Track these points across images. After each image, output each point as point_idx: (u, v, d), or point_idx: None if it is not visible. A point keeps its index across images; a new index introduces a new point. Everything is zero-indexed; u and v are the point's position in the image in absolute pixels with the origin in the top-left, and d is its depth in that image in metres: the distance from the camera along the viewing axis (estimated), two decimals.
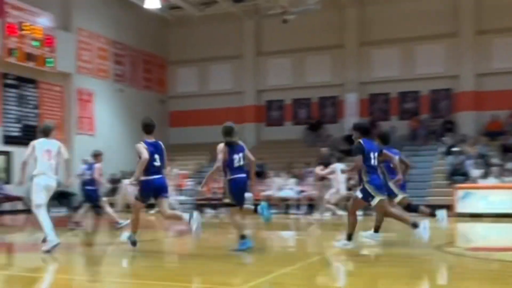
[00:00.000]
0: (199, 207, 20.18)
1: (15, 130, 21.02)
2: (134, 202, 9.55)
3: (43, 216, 9.09)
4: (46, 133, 9.44)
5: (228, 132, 9.28)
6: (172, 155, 26.45)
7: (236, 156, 9.14)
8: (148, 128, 9.32)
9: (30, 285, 7.27)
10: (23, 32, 20.66)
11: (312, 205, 19.03)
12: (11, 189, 19.63)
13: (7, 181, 20.37)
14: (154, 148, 9.11)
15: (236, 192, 9.11)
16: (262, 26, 27.10)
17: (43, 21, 21.59)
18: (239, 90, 27.38)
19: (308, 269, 8.06)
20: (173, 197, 17.35)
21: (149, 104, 26.82)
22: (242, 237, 9.11)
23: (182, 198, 20.39)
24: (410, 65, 24.74)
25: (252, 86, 27.27)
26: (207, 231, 14.02)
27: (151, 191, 9.20)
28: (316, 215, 17.22)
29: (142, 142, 9.13)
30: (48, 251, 8.95)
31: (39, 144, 9.25)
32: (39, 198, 9.15)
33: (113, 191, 20.49)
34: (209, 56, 27.48)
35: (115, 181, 21.43)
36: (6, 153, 20.76)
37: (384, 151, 9.64)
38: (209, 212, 19.69)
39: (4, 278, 7.50)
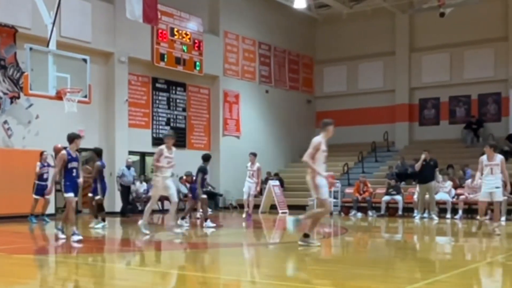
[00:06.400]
0: (345, 209, 19.59)
1: (164, 132, 21.38)
2: None
3: None
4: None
5: None
6: None
7: None
8: None
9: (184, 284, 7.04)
10: (173, 37, 21.08)
11: (471, 210, 17.41)
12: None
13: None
14: None
15: None
16: (416, 21, 25.81)
17: (192, 26, 21.94)
18: (391, 88, 26.28)
19: (463, 278, 7.05)
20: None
21: (295, 104, 26.62)
22: None
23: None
24: None
25: (405, 83, 26.03)
26: (353, 234, 13.16)
27: None
28: None
29: None
30: None
31: None
32: None
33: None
34: (358, 54, 26.65)
35: (263, 182, 20.98)
36: None
37: None
38: (355, 214, 19.05)
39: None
